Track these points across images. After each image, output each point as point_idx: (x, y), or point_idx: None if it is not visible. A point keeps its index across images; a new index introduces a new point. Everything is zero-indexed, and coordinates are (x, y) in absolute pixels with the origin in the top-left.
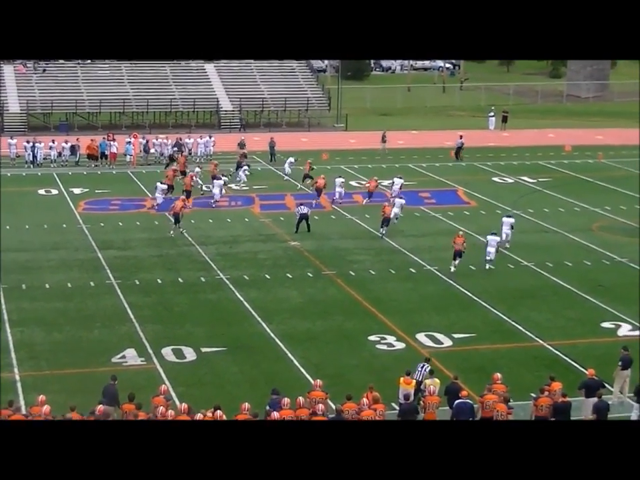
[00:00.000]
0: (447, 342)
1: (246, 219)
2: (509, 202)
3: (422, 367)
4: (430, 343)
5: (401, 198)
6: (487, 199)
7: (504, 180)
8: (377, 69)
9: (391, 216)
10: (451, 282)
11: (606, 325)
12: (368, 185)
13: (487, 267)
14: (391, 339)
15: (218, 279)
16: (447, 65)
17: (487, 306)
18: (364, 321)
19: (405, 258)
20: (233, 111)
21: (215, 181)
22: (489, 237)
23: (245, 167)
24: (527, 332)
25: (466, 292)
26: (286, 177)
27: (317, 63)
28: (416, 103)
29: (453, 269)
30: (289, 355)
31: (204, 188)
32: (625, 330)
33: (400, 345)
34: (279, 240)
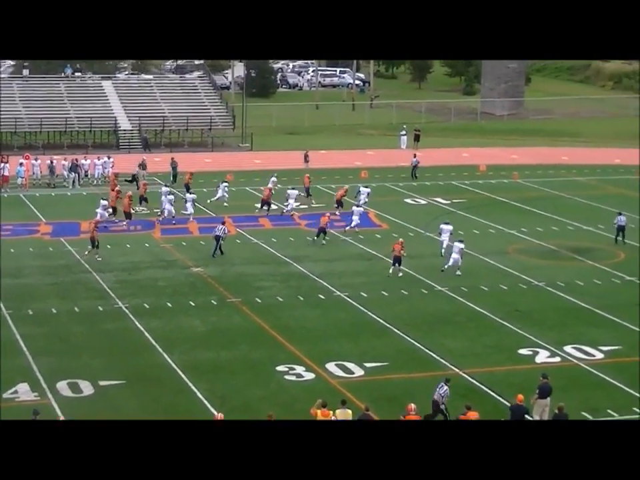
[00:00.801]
0: (359, 371)
1: (146, 244)
2: (421, 224)
3: (440, 387)
4: (340, 373)
5: (460, 242)
6: (398, 221)
7: (416, 201)
8: (284, 86)
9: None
10: (363, 309)
11: (523, 351)
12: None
13: (444, 267)
14: (299, 369)
15: (116, 308)
16: (357, 82)
17: (400, 333)
18: (271, 350)
19: (313, 283)
20: (132, 130)
21: (188, 195)
22: (455, 243)
23: (225, 184)
24: (441, 360)
25: (378, 319)
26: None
27: (221, 80)
28: (324, 121)
29: (390, 271)
30: (192, 387)
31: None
32: (543, 356)
33: (309, 375)
34: (181, 266)
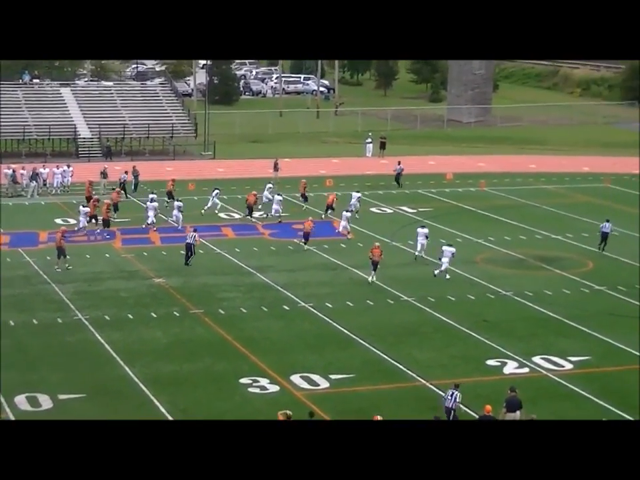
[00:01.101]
0: (324, 383)
1: (107, 255)
2: (387, 233)
3: (452, 395)
4: (305, 385)
5: (450, 246)
6: (364, 230)
7: (382, 210)
8: (247, 93)
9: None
10: (328, 319)
11: (491, 362)
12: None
13: (436, 272)
14: (263, 381)
15: (76, 320)
16: (321, 89)
17: (366, 344)
18: (235, 362)
19: (277, 294)
20: (92, 138)
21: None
22: (444, 248)
23: (217, 191)
24: (408, 371)
25: (343, 330)
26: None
27: (182, 86)
28: (288, 128)
29: (370, 279)
30: (154, 400)
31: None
32: (511, 367)
33: (273, 388)
34: (142, 277)
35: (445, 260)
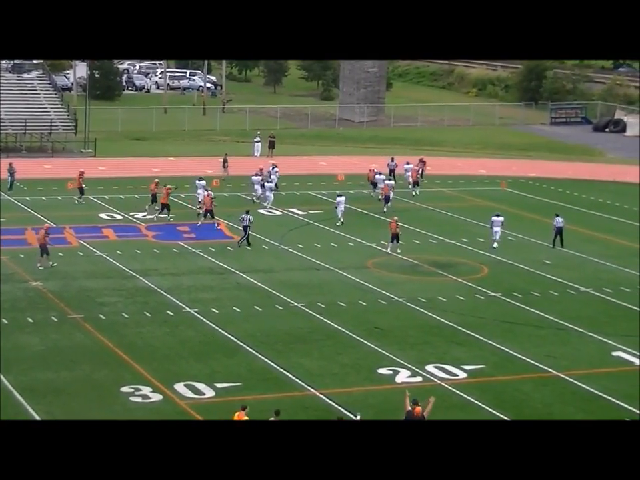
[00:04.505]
0: (209, 392)
1: None
2: (276, 236)
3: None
4: (190, 394)
5: (497, 216)
6: (252, 233)
7: (271, 212)
8: (130, 88)
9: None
10: (213, 325)
11: (383, 371)
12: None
13: (495, 245)
14: (146, 389)
15: None
16: (208, 85)
17: (253, 352)
18: (116, 370)
19: (161, 299)
20: None
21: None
22: (494, 218)
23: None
24: (297, 380)
25: (230, 336)
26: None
27: (62, 80)
28: (173, 126)
29: (389, 250)
30: (30, 410)
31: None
32: (403, 376)
33: (156, 397)
34: (18, 280)
35: (496, 229)
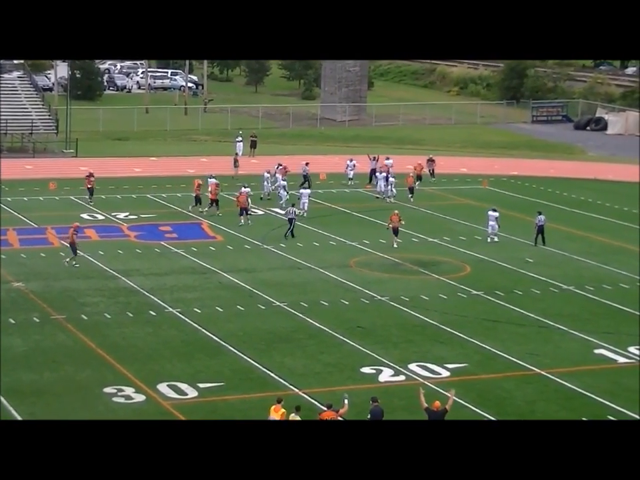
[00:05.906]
0: (192, 392)
1: None
2: (258, 235)
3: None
4: (173, 394)
5: (494, 210)
6: (234, 232)
7: (253, 212)
8: (111, 88)
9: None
10: (196, 325)
11: (366, 370)
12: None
13: (494, 239)
14: (129, 390)
15: None
16: (189, 84)
17: (236, 351)
18: (98, 370)
19: (144, 299)
20: None
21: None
22: (489, 213)
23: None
24: (280, 379)
25: (212, 336)
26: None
27: (43, 80)
28: (155, 126)
29: (395, 245)
30: (13, 411)
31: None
32: (386, 375)
33: (139, 397)
34: (0, 281)
35: (492, 223)
